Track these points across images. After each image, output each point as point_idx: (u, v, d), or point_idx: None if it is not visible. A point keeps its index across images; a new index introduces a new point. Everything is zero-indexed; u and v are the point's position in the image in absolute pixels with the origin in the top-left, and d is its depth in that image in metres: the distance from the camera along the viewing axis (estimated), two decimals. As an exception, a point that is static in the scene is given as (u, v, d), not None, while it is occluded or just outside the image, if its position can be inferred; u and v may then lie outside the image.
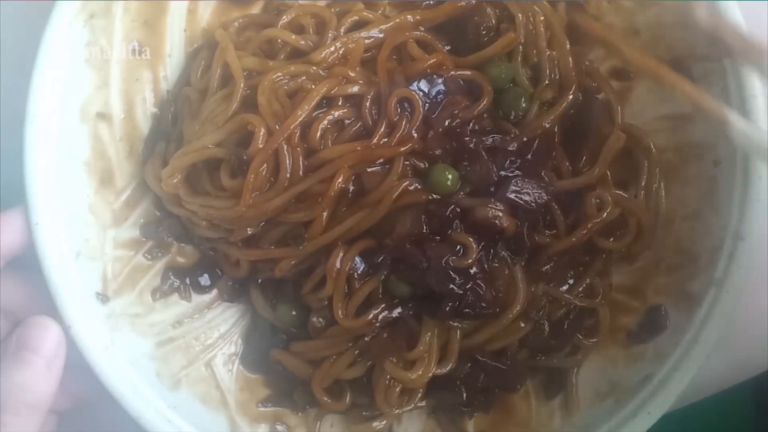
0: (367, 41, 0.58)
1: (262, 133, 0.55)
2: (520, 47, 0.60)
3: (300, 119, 0.55)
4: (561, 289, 0.59)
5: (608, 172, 0.59)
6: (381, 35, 0.58)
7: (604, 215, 0.57)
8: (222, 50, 0.59)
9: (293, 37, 0.59)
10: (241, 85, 0.57)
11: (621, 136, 0.59)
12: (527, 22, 0.59)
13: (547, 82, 0.59)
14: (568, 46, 0.59)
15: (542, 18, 0.59)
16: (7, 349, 0.49)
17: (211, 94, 0.59)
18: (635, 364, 0.57)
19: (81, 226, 0.58)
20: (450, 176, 0.55)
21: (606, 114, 0.60)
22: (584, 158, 0.59)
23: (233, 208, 0.55)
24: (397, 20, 0.59)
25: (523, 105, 0.58)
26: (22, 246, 0.53)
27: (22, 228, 0.53)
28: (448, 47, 0.60)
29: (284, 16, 0.60)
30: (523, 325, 0.58)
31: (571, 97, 0.59)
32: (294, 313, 0.61)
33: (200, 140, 0.57)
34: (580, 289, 0.60)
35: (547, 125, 0.58)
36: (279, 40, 0.60)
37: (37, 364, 0.49)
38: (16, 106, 0.54)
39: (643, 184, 0.59)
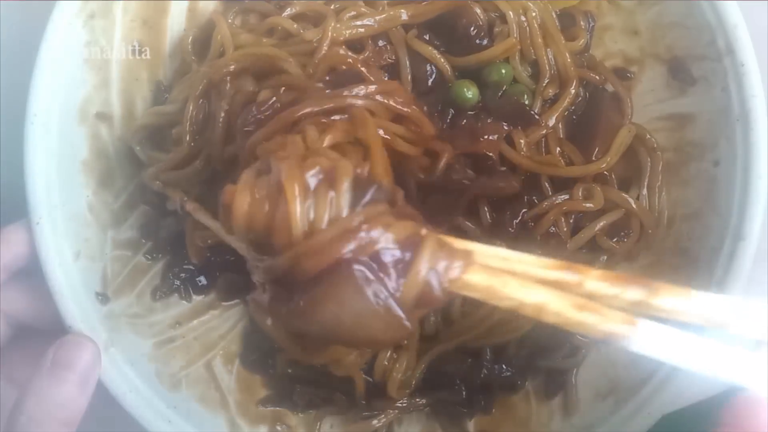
0: (360, 30, 0.58)
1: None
2: (518, 45, 0.60)
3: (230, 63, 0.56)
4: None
5: (612, 175, 0.59)
6: (374, 24, 0.59)
7: (587, 205, 0.57)
8: (217, 26, 0.60)
9: (294, 26, 0.59)
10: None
11: (632, 128, 0.59)
12: (519, 19, 0.59)
13: (547, 78, 0.59)
14: (563, 40, 0.59)
15: (534, 14, 0.59)
16: (43, 366, 0.50)
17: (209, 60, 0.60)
18: (635, 364, 0.57)
19: (81, 226, 0.58)
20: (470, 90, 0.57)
21: (616, 106, 0.60)
22: (597, 150, 0.58)
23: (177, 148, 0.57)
24: (391, 13, 0.59)
25: (526, 102, 0.58)
26: (26, 259, 0.54)
27: (25, 241, 0.54)
28: (443, 49, 0.60)
29: (288, 9, 0.61)
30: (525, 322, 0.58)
31: (572, 91, 0.59)
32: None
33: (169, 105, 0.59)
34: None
35: (551, 123, 0.58)
36: (279, 28, 0.60)
37: (72, 382, 0.50)
38: (16, 106, 0.54)
39: (645, 183, 0.59)
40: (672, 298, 0.37)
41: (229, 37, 0.59)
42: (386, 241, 0.38)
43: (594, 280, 0.38)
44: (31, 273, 0.54)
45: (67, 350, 0.51)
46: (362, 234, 0.38)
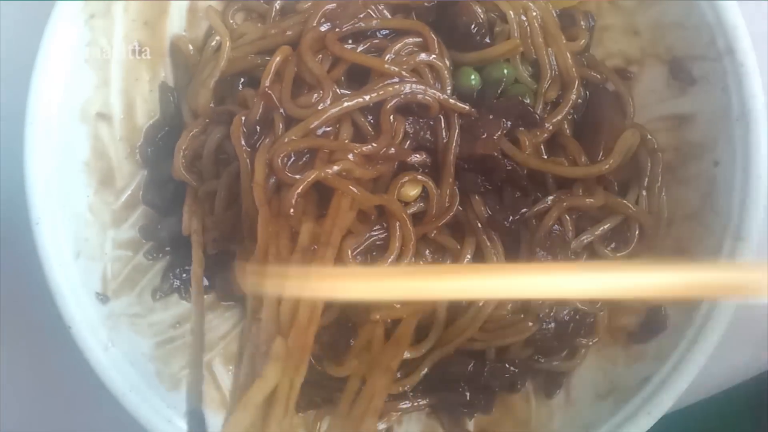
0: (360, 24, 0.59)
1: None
2: (520, 46, 0.60)
3: None
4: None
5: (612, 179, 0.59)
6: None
7: (589, 201, 0.57)
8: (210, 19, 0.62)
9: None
10: (227, 40, 0.60)
11: (635, 131, 0.59)
12: (520, 19, 0.59)
13: (549, 79, 0.59)
14: (564, 40, 0.59)
15: (535, 14, 0.59)
16: None
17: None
18: (635, 364, 0.57)
19: (81, 226, 0.58)
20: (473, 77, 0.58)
21: (617, 105, 0.60)
22: (600, 153, 0.58)
23: None
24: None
25: (527, 101, 0.58)
26: None
27: None
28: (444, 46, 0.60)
29: None
30: (531, 324, 0.58)
31: (574, 95, 0.59)
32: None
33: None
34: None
35: (550, 126, 0.58)
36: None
37: None
38: (16, 106, 0.54)
39: (645, 183, 0.59)
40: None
41: (222, 26, 0.61)
42: None
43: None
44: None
45: None
46: None
